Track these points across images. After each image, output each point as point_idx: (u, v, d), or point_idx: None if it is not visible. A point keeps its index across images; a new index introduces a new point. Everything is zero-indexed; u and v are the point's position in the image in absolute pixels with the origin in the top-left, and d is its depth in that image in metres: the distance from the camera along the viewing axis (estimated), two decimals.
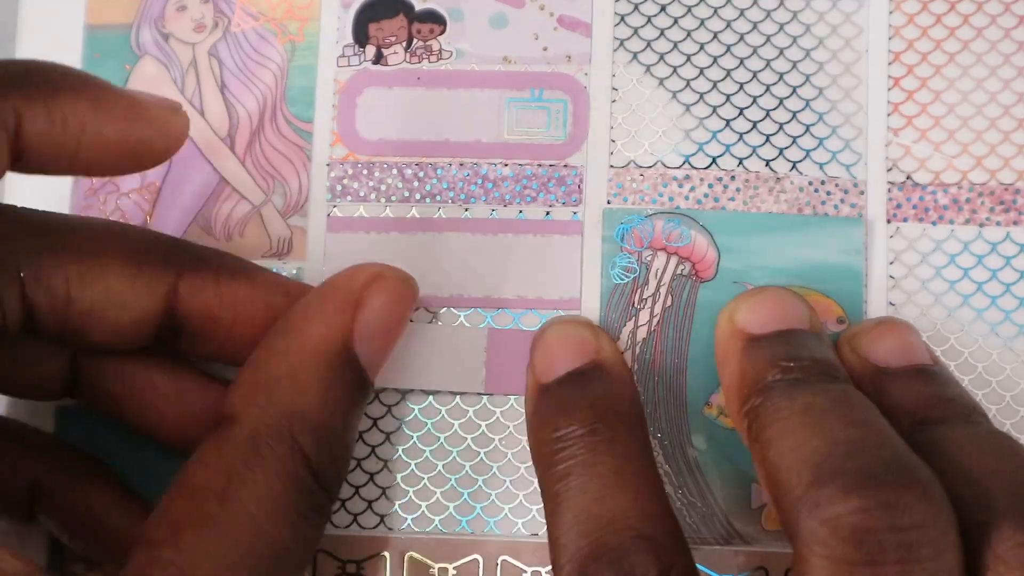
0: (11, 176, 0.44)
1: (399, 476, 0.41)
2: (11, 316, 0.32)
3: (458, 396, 0.41)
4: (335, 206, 0.43)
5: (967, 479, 0.29)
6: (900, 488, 0.27)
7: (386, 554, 0.40)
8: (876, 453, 0.28)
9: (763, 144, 0.42)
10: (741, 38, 0.42)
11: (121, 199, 0.43)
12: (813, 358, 0.33)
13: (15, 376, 0.37)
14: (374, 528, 0.41)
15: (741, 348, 0.35)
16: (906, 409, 0.33)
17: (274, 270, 0.42)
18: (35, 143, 0.32)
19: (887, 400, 0.33)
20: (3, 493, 0.36)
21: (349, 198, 0.43)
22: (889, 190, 0.41)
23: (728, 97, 0.42)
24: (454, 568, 0.40)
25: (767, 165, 0.42)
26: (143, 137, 0.34)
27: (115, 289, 0.34)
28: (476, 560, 0.40)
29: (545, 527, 0.39)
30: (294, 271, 0.42)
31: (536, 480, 0.37)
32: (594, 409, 0.35)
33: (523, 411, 0.40)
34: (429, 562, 0.40)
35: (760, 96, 0.42)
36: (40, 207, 0.43)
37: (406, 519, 0.41)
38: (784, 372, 0.33)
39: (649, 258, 0.41)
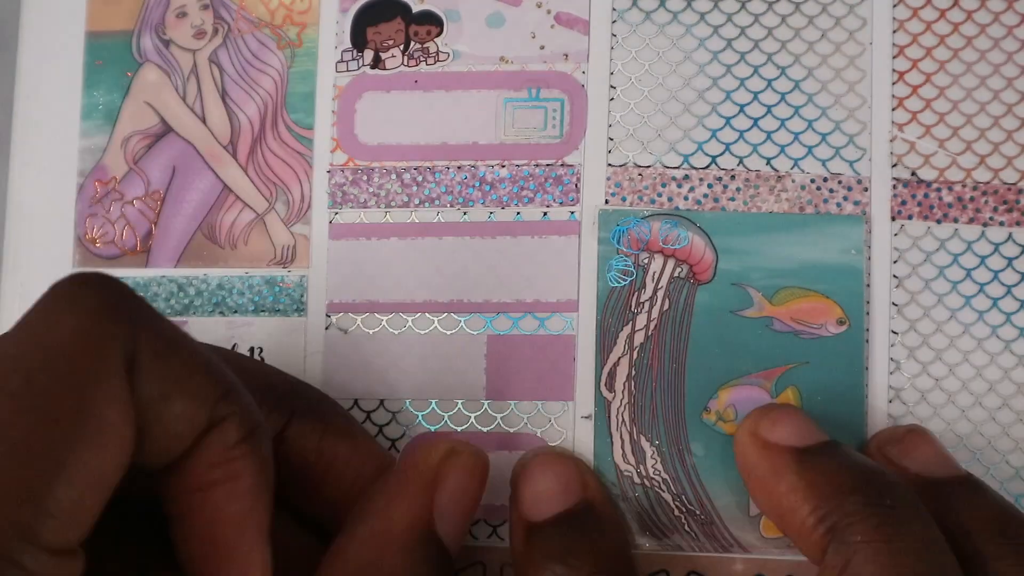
0: (15, 182, 0.45)
1: None
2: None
3: (460, 402, 0.42)
4: (337, 213, 0.43)
5: None
6: None
7: None
8: None
9: (764, 142, 0.41)
10: (742, 32, 0.42)
11: (126, 207, 0.44)
12: (896, 493, 0.33)
13: None
14: None
15: (794, 461, 0.35)
16: (984, 520, 0.34)
17: (279, 278, 0.44)
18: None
19: (957, 515, 0.34)
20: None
21: (350, 204, 0.43)
22: (894, 186, 0.41)
23: (728, 94, 0.42)
24: None
25: (768, 163, 0.41)
26: None
27: None
28: (480, 567, 0.41)
29: None
30: (298, 279, 0.43)
31: None
32: (594, 556, 0.35)
33: (523, 416, 0.41)
34: None
35: (761, 92, 0.41)
36: (43, 212, 0.45)
37: None
38: (870, 498, 0.33)
39: (646, 260, 0.41)
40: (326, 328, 0.43)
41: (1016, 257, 0.40)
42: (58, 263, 0.44)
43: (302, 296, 0.43)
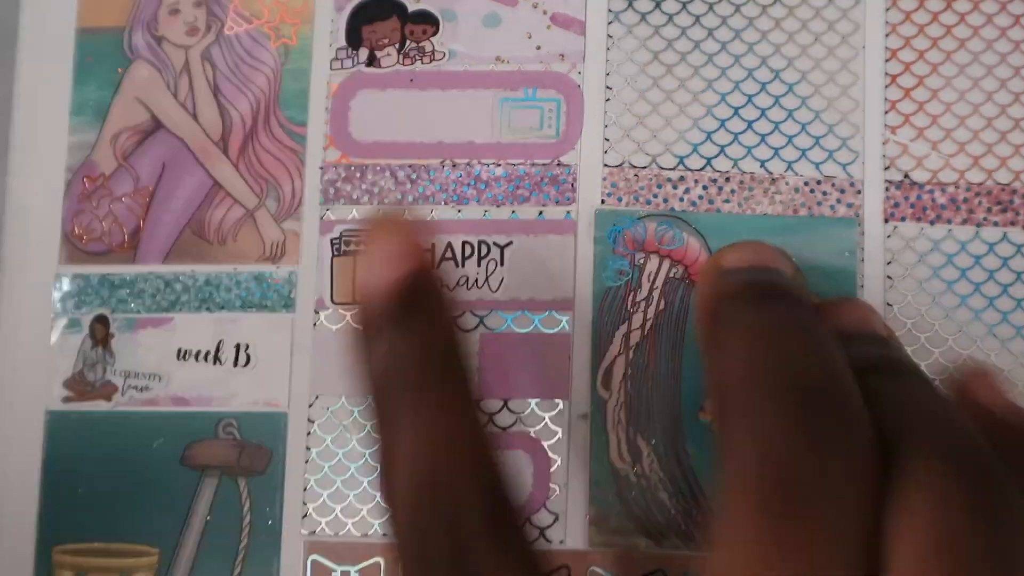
0: (10, 180, 0.44)
1: None
2: None
3: None
4: (328, 209, 0.43)
5: (898, 423, 0.29)
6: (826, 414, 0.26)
7: (381, 560, 0.40)
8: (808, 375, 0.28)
9: (758, 144, 0.41)
10: (737, 35, 0.42)
11: (115, 203, 0.43)
12: (772, 282, 0.32)
13: None
14: (369, 534, 0.41)
15: (714, 275, 0.33)
16: (858, 362, 0.32)
17: (267, 274, 0.43)
18: None
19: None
20: None
21: (342, 201, 0.43)
22: (887, 189, 0.41)
23: (723, 96, 0.42)
24: None
25: (762, 166, 0.41)
26: None
27: None
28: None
29: (538, 533, 0.39)
30: (287, 274, 0.42)
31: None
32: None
33: (515, 414, 0.40)
34: None
35: (756, 95, 0.42)
36: (34, 211, 0.44)
37: None
38: (746, 288, 0.32)
39: (642, 261, 0.41)
40: (314, 325, 0.42)
41: (1011, 256, 0.40)
42: (45, 260, 0.43)
43: (291, 292, 0.42)
